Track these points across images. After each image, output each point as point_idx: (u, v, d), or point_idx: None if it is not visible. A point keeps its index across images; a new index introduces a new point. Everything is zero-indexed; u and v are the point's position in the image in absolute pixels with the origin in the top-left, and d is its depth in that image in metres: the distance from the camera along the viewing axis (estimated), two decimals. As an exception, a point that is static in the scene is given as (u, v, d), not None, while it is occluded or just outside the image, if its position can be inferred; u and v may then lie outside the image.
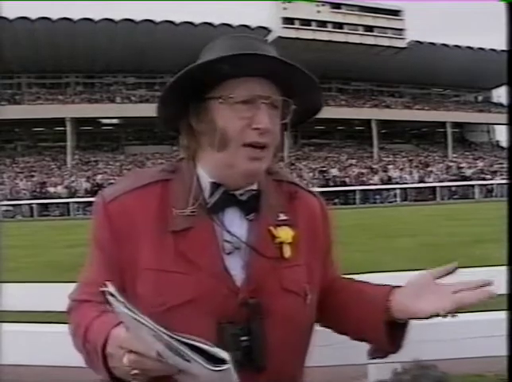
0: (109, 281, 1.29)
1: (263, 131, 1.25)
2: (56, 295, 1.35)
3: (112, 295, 1.02)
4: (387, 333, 1.32)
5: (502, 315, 1.41)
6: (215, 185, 1.31)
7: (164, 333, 0.99)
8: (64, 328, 1.39)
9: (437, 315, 1.24)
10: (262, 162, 1.29)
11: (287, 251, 1.33)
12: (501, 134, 53.17)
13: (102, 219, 1.31)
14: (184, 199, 1.30)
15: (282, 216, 1.37)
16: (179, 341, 0.99)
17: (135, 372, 1.06)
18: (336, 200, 32.87)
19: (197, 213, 1.28)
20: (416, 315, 1.28)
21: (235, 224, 1.31)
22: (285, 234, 1.33)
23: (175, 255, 1.25)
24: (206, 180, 1.33)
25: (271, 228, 1.32)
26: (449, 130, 48.79)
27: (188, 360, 0.99)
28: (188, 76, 1.25)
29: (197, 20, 40.76)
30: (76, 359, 1.30)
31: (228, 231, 1.30)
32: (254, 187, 1.35)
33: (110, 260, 1.29)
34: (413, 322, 1.36)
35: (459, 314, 1.24)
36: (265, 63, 1.23)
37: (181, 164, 1.37)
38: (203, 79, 1.26)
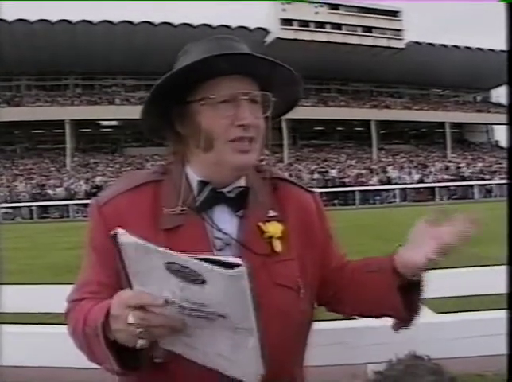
0: (106, 280, 1.30)
1: (247, 126, 1.28)
2: (56, 297, 1.36)
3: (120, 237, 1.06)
4: (402, 296, 1.35)
5: (501, 314, 1.41)
6: (203, 184, 1.34)
7: (176, 255, 1.02)
8: (63, 329, 1.40)
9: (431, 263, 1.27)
10: (251, 154, 1.32)
11: (277, 246, 1.35)
12: (500, 134, 53.24)
13: (97, 221, 1.34)
14: (174, 198, 1.33)
15: (271, 213, 1.39)
16: (193, 258, 1.01)
17: (140, 330, 1.06)
18: (336, 201, 32.88)
19: (187, 212, 1.31)
20: (414, 267, 1.30)
21: (225, 220, 1.34)
22: (274, 228, 1.35)
23: None
24: (194, 179, 1.35)
25: (260, 223, 1.34)
26: (448, 131, 48.77)
27: (202, 282, 1.00)
28: (167, 84, 1.28)
29: (196, 22, 40.79)
30: (76, 360, 1.31)
31: (218, 229, 1.32)
32: (242, 184, 1.38)
33: (106, 262, 1.30)
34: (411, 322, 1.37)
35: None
36: (242, 61, 1.26)
37: (171, 166, 1.40)
38: (182, 84, 1.28)
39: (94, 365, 1.27)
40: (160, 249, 1.04)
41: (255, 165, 1.42)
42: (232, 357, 1.07)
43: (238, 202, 1.35)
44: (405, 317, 1.40)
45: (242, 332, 1.04)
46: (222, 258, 1.01)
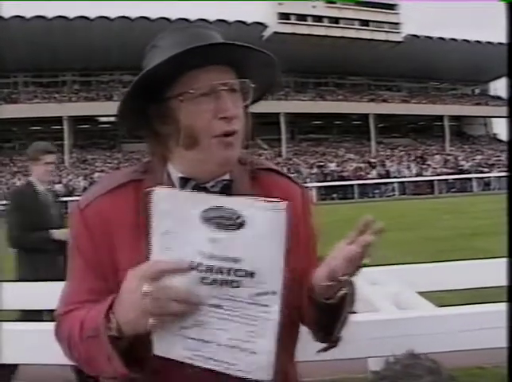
0: (97, 287, 1.25)
1: (230, 118, 1.23)
2: (57, 293, 1.34)
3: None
4: (322, 317, 1.28)
5: (501, 307, 1.41)
6: (184, 180, 1.29)
7: (216, 197, 1.03)
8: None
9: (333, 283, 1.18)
10: (235, 148, 1.27)
11: None
12: (498, 127, 53.25)
13: (80, 227, 1.29)
14: None
15: None
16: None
17: (154, 304, 1.02)
18: (334, 195, 32.92)
19: None
20: (320, 287, 1.21)
21: None
22: None
23: None
24: (176, 176, 1.31)
25: None
26: (447, 124, 48.81)
27: (240, 225, 1.01)
28: (141, 84, 1.23)
29: (193, 16, 40.69)
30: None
31: None
32: (226, 177, 1.33)
33: (95, 267, 1.27)
34: (411, 315, 1.36)
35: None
36: (217, 50, 1.22)
37: (152, 164, 1.35)
38: (158, 79, 1.23)
39: None
40: (201, 194, 1.04)
41: (239, 158, 1.36)
42: (245, 344, 1.04)
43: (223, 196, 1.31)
44: (320, 339, 1.36)
45: (264, 299, 1.03)
46: (260, 199, 1.03)
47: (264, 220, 1.01)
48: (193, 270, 1.03)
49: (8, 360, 1.77)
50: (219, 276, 1.03)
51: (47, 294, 1.99)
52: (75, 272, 1.31)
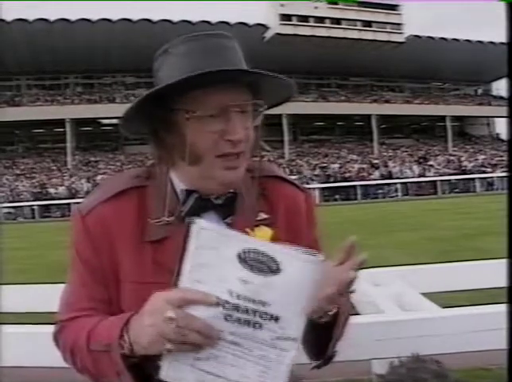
0: (98, 295, 1.25)
1: (237, 142, 1.21)
2: (58, 296, 1.33)
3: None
4: (315, 334, 1.24)
5: (506, 308, 1.40)
6: (188, 193, 1.28)
7: (257, 241, 1.04)
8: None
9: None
10: (239, 170, 1.26)
11: None
12: (501, 127, 53.17)
13: (82, 233, 1.27)
14: (159, 208, 1.27)
15: (261, 215, 1.35)
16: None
17: (174, 330, 1.00)
18: (337, 196, 32.97)
19: (173, 222, 1.26)
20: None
21: None
22: (262, 234, 1.28)
23: (153, 266, 1.23)
24: (179, 187, 1.30)
25: (248, 229, 1.26)
26: (449, 124, 48.74)
27: (275, 270, 1.02)
28: (151, 97, 1.19)
29: (195, 18, 40.76)
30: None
31: None
32: (230, 189, 1.31)
33: (96, 276, 1.26)
34: (414, 317, 1.35)
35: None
36: (232, 72, 1.17)
37: (155, 169, 1.34)
38: (167, 91, 1.19)
39: None
40: (241, 235, 1.05)
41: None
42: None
43: (227, 209, 1.31)
44: (313, 357, 1.36)
45: (283, 343, 1.03)
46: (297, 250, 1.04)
47: (299, 270, 1.03)
48: (219, 306, 1.02)
49: (8, 362, 1.77)
50: (244, 316, 1.03)
51: (47, 296, 1.99)
52: (76, 277, 1.30)
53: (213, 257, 1.04)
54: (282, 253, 1.03)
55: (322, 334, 1.26)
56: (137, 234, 1.25)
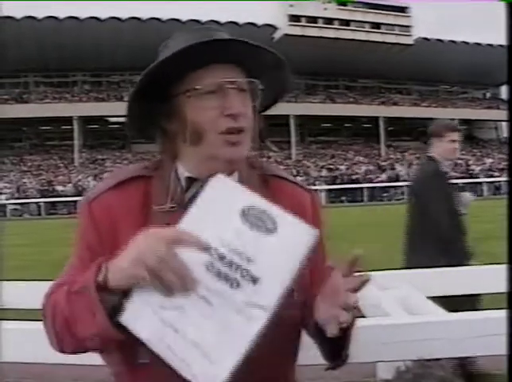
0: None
1: (236, 116, 1.23)
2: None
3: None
4: (327, 343, 1.25)
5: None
6: (191, 180, 1.30)
7: (263, 200, 1.09)
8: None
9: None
10: (242, 146, 1.26)
11: None
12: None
13: (87, 219, 1.29)
14: (163, 195, 1.29)
15: None
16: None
17: (154, 263, 1.02)
18: (344, 198, 32.93)
19: (176, 209, 1.26)
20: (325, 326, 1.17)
21: None
22: None
23: None
24: (183, 175, 1.31)
25: None
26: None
27: (271, 230, 1.04)
28: (149, 79, 1.23)
29: (204, 18, 40.81)
30: (77, 357, 1.28)
31: None
32: (234, 179, 1.32)
33: (95, 258, 1.23)
34: (420, 320, 1.34)
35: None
36: (225, 48, 1.21)
37: (162, 162, 1.36)
38: (164, 77, 1.24)
39: (94, 362, 1.25)
40: (252, 193, 1.09)
41: (249, 161, 1.37)
42: (209, 350, 1.01)
43: None
44: (328, 360, 1.33)
45: (253, 311, 1.01)
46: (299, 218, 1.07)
47: (293, 236, 1.04)
48: (206, 252, 1.04)
49: (9, 358, 1.78)
50: (226, 269, 1.03)
51: (42, 292, 1.99)
52: (76, 260, 1.31)
53: (219, 208, 1.08)
54: (283, 216, 1.05)
55: (335, 342, 1.23)
56: (142, 221, 1.25)
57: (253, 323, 1.01)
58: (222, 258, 1.03)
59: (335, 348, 1.26)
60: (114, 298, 1.09)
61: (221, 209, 1.07)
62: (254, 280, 1.02)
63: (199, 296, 1.03)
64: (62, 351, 1.23)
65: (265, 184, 1.40)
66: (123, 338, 1.09)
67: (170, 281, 1.03)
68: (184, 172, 1.32)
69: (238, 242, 1.04)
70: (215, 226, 1.06)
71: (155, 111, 1.30)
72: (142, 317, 1.05)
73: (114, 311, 1.09)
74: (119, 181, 1.31)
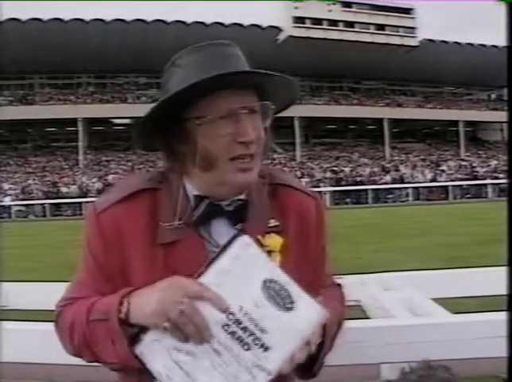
0: (104, 290, 1.26)
1: (249, 143, 1.23)
2: (59, 294, 1.35)
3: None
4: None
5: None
6: (199, 198, 1.30)
7: (284, 276, 1.12)
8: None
9: None
10: (252, 172, 1.27)
11: (275, 260, 1.29)
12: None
13: (95, 229, 1.30)
14: (171, 212, 1.30)
15: (272, 222, 1.35)
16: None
17: (176, 316, 1.05)
18: (348, 200, 32.92)
19: (184, 226, 1.28)
20: None
21: (223, 234, 1.29)
22: (273, 242, 1.31)
23: (164, 269, 1.24)
24: (192, 193, 1.32)
25: (259, 236, 1.29)
26: (462, 129, 48.55)
27: (288, 309, 1.10)
28: (163, 106, 1.23)
29: (208, 20, 40.86)
30: (79, 358, 1.29)
31: (216, 244, 1.29)
32: (241, 196, 1.33)
33: (103, 269, 1.29)
34: (425, 322, 1.34)
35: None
36: (238, 75, 1.21)
37: (169, 174, 1.36)
38: (178, 103, 1.23)
39: (94, 363, 1.25)
40: (275, 266, 1.14)
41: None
42: None
43: (237, 215, 1.32)
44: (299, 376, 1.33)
45: (259, 373, 1.07)
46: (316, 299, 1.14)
47: (307, 317, 1.11)
48: (224, 313, 1.08)
49: (10, 358, 1.78)
50: (240, 332, 1.08)
51: (48, 294, 1.99)
52: (84, 269, 1.33)
53: (242, 272, 1.11)
54: (300, 296, 1.11)
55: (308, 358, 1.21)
56: (149, 236, 1.27)
57: (258, 381, 1.07)
58: (238, 322, 1.08)
59: (307, 364, 1.25)
60: (134, 330, 1.13)
61: (244, 275, 1.10)
62: (265, 348, 1.08)
63: (212, 347, 1.08)
64: (78, 357, 1.28)
65: (274, 193, 1.41)
66: (141, 366, 1.12)
67: (188, 333, 1.06)
68: (192, 190, 1.32)
69: (255, 314, 1.08)
70: (236, 291, 1.09)
71: (165, 132, 1.29)
72: (156, 352, 1.09)
73: (132, 340, 1.12)
74: (126, 194, 1.31)
